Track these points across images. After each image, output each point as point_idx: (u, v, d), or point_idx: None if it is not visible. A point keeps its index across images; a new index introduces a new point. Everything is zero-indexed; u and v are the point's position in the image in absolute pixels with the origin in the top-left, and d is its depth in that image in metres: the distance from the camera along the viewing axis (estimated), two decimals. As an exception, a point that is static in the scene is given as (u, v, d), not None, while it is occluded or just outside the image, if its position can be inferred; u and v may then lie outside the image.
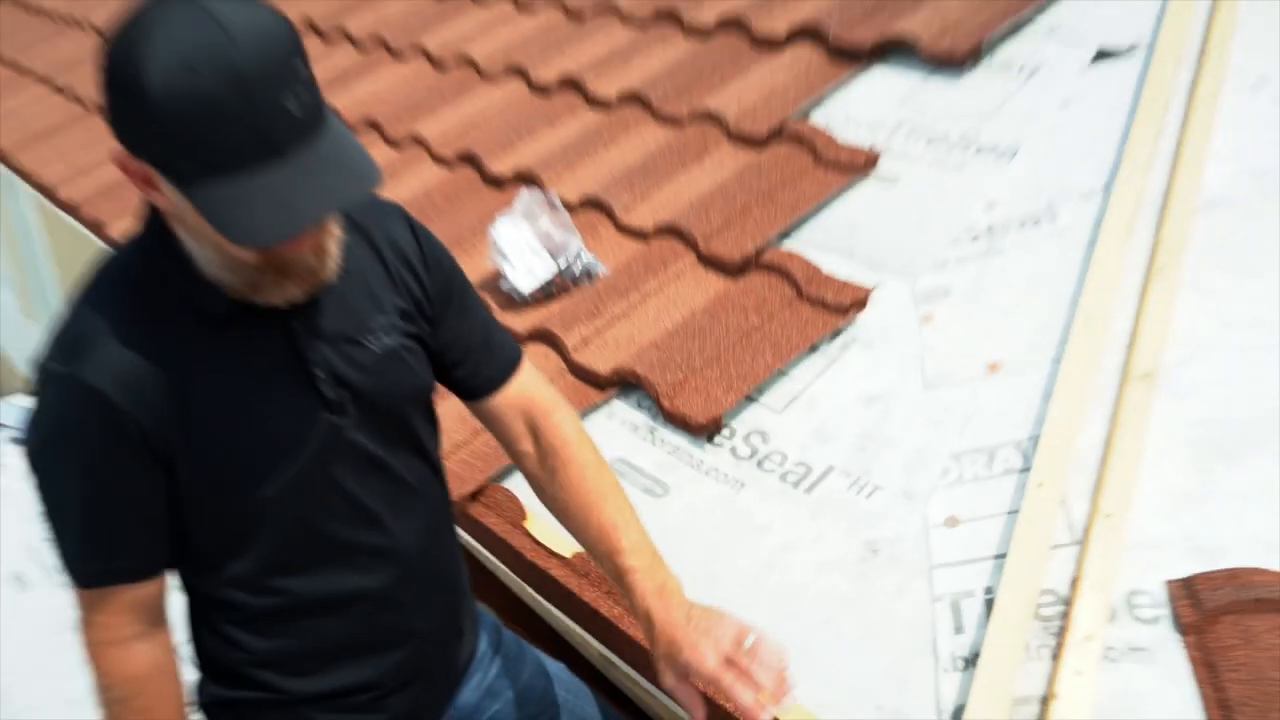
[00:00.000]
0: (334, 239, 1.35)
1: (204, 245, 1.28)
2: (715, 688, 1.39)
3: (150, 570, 1.42)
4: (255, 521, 1.42)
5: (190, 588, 1.52)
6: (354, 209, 1.47)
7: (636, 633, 1.77)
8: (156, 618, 1.45)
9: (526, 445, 1.64)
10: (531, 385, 1.65)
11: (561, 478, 1.59)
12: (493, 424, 1.66)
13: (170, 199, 1.23)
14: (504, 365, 1.63)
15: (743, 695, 1.34)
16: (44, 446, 1.36)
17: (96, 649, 1.42)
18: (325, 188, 1.19)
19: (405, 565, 1.55)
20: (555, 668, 1.87)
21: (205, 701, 1.59)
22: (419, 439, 1.57)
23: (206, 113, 1.12)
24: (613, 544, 1.53)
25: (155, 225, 1.34)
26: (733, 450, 2.06)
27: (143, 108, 1.13)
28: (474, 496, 2.13)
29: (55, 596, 3.56)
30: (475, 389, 1.62)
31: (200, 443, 1.35)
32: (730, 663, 1.37)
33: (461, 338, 1.57)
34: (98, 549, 1.38)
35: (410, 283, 1.50)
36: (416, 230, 1.54)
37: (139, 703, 1.42)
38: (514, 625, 1.97)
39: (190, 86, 1.11)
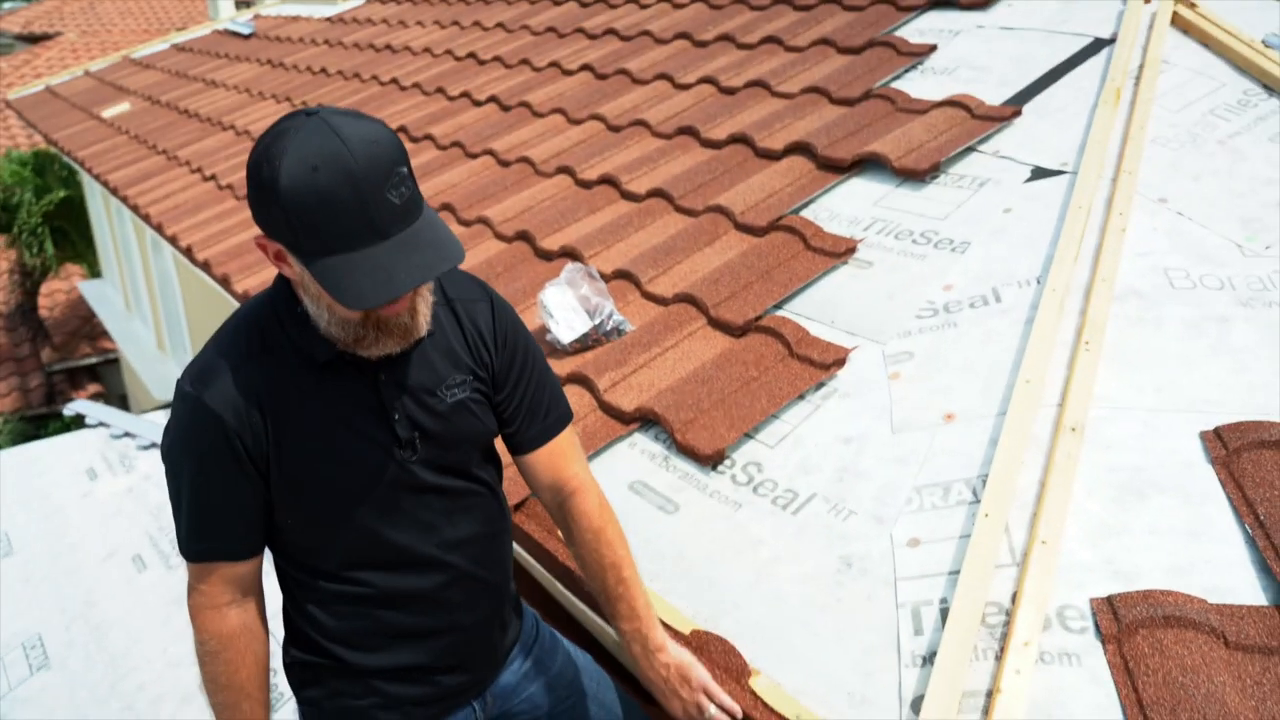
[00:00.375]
0: (425, 302, 1.37)
1: (320, 307, 1.31)
2: None
3: (245, 553, 1.42)
4: (332, 528, 1.42)
5: (283, 571, 1.51)
6: (450, 287, 1.49)
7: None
8: (249, 590, 1.44)
9: (553, 511, 1.63)
10: (559, 463, 1.58)
11: (576, 550, 1.61)
12: (527, 480, 1.63)
13: (296, 270, 1.28)
14: (542, 433, 1.57)
15: None
16: (172, 448, 1.38)
17: (198, 611, 1.42)
18: (418, 263, 1.22)
19: (455, 572, 1.52)
20: (584, 659, 1.81)
21: (288, 661, 1.57)
22: (477, 470, 1.54)
23: (326, 204, 1.17)
24: (613, 608, 1.57)
25: (282, 288, 1.38)
26: (733, 477, 2.02)
27: (277, 199, 1.18)
28: (517, 508, 2.09)
29: (167, 577, 3.53)
30: (515, 446, 1.59)
31: (291, 462, 1.37)
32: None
33: (513, 404, 1.54)
34: (205, 532, 1.39)
35: (483, 354, 1.50)
36: (497, 315, 1.52)
37: (227, 655, 1.42)
38: (546, 617, 1.92)
39: (314, 184, 1.17)
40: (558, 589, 2.03)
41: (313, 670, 1.53)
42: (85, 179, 9.31)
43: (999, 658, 1.49)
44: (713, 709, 1.53)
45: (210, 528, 1.39)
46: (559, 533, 1.99)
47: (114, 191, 5.59)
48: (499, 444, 1.61)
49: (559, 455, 1.58)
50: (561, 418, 1.60)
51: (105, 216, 8.93)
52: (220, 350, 1.37)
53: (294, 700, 1.60)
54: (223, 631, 1.42)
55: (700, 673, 1.54)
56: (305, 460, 1.37)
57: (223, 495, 1.37)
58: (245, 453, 1.34)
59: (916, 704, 1.47)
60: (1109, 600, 1.52)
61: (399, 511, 1.44)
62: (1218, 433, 1.76)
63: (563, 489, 1.59)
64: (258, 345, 1.36)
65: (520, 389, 1.54)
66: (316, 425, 1.37)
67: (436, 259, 1.23)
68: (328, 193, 1.17)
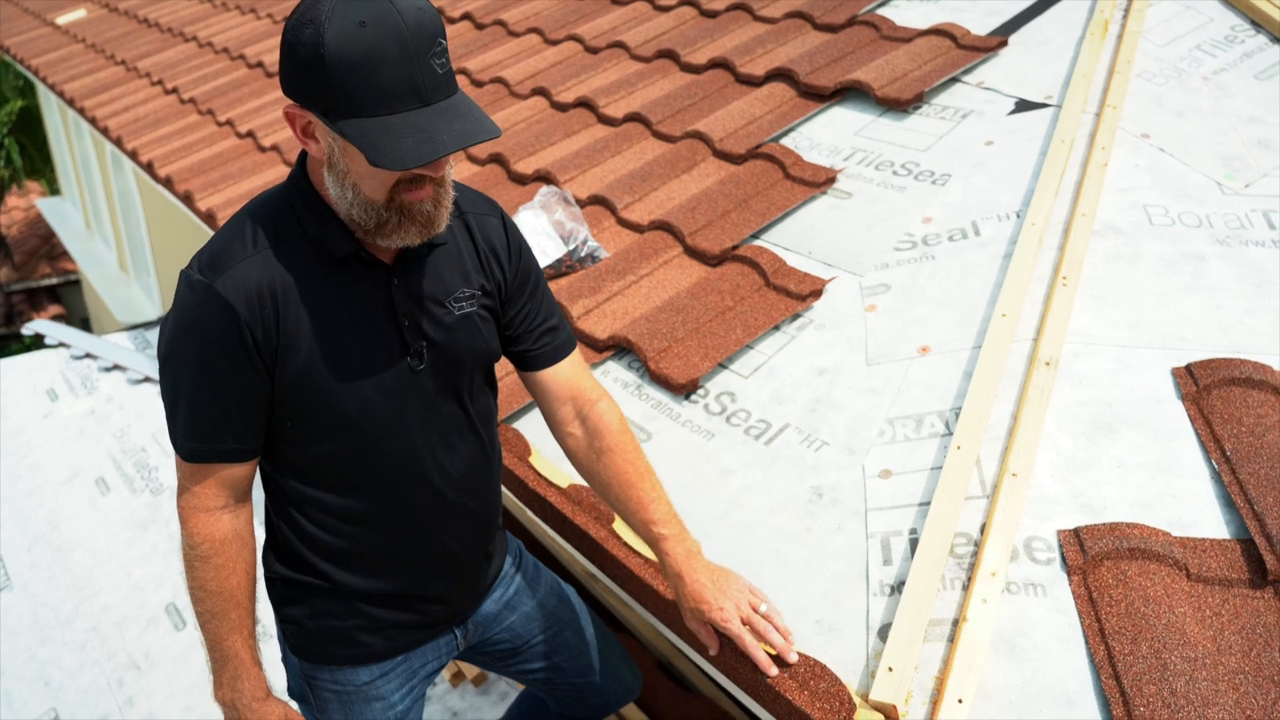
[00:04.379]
0: (448, 195, 1.32)
1: (345, 186, 1.26)
2: (738, 643, 1.44)
3: (244, 455, 1.38)
4: (331, 434, 1.39)
5: (272, 483, 1.48)
6: (463, 200, 1.46)
7: (619, 553, 1.72)
8: (242, 496, 1.42)
9: (574, 429, 1.57)
10: (579, 375, 1.57)
11: (607, 460, 1.53)
12: (543, 401, 1.59)
13: (324, 143, 1.25)
14: (557, 349, 1.56)
15: (759, 653, 1.43)
16: (176, 339, 1.32)
17: (189, 513, 1.39)
18: (458, 129, 1.19)
19: (447, 494, 1.50)
20: (567, 590, 1.80)
21: (269, 576, 1.55)
22: (477, 392, 1.51)
23: (371, 61, 1.15)
24: (649, 515, 1.49)
25: (299, 179, 1.34)
26: (706, 407, 2.00)
27: (320, 57, 1.15)
28: (489, 433, 2.06)
29: (131, 500, 3.49)
30: (530, 362, 1.55)
31: (299, 358, 1.32)
32: (747, 622, 1.44)
33: (526, 319, 1.52)
34: (205, 430, 1.34)
35: (494, 269, 1.47)
36: (508, 230, 1.51)
37: (218, 560, 1.39)
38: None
39: (361, 39, 1.14)
40: (528, 516, 2.02)
41: (296, 588, 1.51)
42: (41, 90, 8.95)
43: (966, 587, 1.50)
44: (764, 606, 1.46)
45: (211, 426, 1.34)
46: (530, 458, 1.97)
47: (71, 103, 5.37)
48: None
49: (579, 366, 1.57)
50: (571, 341, 1.59)
51: (63, 130, 8.61)
52: (232, 239, 1.31)
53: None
54: (215, 536, 1.38)
55: (743, 581, 1.49)
56: (313, 358, 1.33)
57: (228, 390, 1.31)
58: (255, 346, 1.29)
59: (884, 631, 1.48)
60: (1075, 532, 1.54)
61: (399, 424, 1.41)
62: (1189, 369, 1.76)
63: (585, 398, 1.56)
64: (271, 236, 1.31)
65: (535, 305, 1.53)
66: (327, 323, 1.33)
67: (476, 127, 1.20)
68: (374, 49, 1.14)
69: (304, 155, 1.35)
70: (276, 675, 1.57)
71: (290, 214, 1.33)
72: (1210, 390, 1.71)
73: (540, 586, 1.75)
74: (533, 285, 1.52)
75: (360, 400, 1.37)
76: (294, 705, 1.59)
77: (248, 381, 1.31)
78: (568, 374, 1.56)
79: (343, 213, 1.30)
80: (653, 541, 1.50)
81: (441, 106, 1.19)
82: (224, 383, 1.31)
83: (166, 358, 1.33)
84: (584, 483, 1.89)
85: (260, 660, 1.47)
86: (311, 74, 1.17)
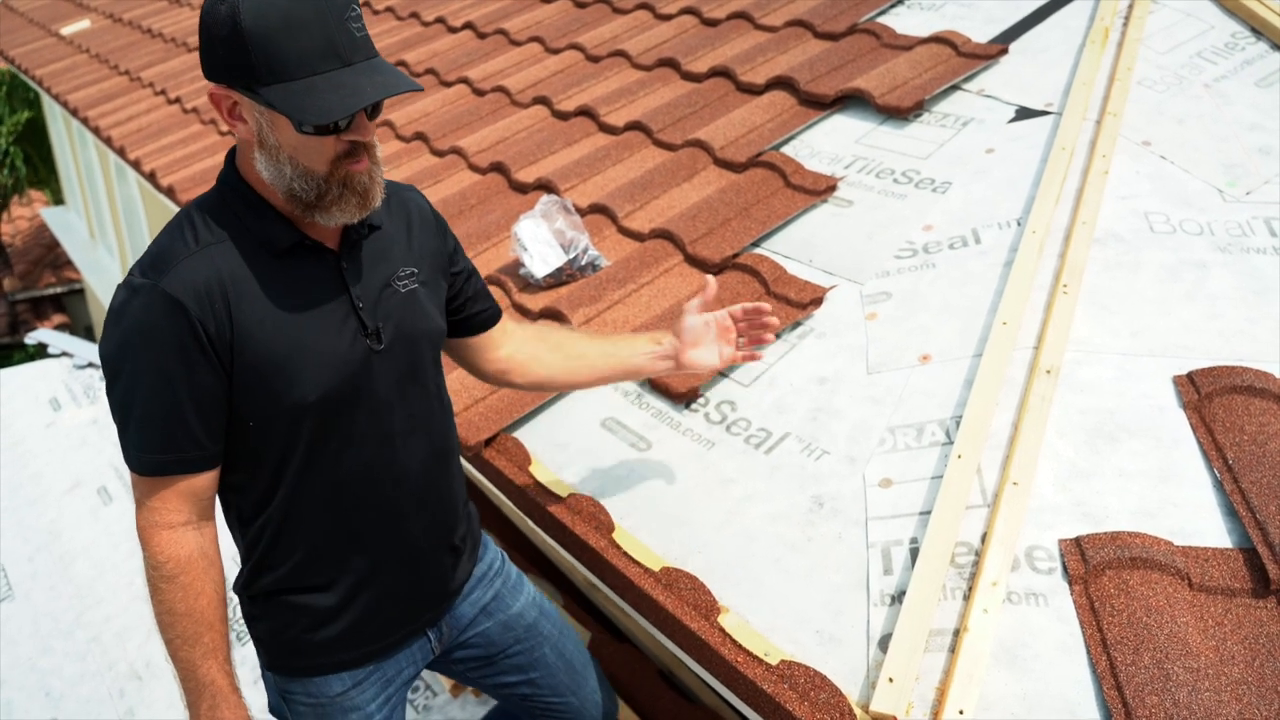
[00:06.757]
0: (380, 171, 1.34)
1: (281, 161, 1.26)
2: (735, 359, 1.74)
3: (205, 462, 1.33)
4: (293, 426, 1.35)
5: (232, 499, 1.44)
6: (393, 191, 1.49)
7: (619, 562, 1.72)
8: (205, 511, 1.37)
9: (535, 349, 1.72)
10: (508, 322, 1.72)
11: (573, 342, 1.74)
12: (485, 354, 1.69)
13: (252, 121, 1.25)
14: (496, 310, 1.68)
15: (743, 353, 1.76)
16: (125, 346, 1.28)
17: (150, 531, 1.33)
18: (380, 82, 1.23)
19: (409, 481, 1.48)
20: (548, 605, 1.78)
21: (239, 591, 1.52)
22: (431, 376, 1.52)
23: (289, 24, 1.17)
24: (628, 347, 1.73)
25: (231, 176, 1.34)
26: (706, 416, 2.00)
27: (238, 29, 1.17)
28: (488, 443, 2.06)
29: (132, 510, 3.49)
30: (482, 324, 1.65)
31: (255, 348, 1.30)
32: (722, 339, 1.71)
33: (467, 288, 1.61)
34: (162, 439, 1.29)
35: (432, 244, 1.52)
36: (432, 209, 1.59)
37: (185, 579, 1.33)
38: (513, 554, 1.90)
39: (277, 5, 1.17)
40: (528, 525, 2.01)
41: (260, 603, 1.49)
42: (46, 100, 8.99)
43: (967, 597, 1.49)
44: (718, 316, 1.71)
45: (168, 433, 1.29)
46: (530, 468, 1.97)
47: (74, 113, 5.40)
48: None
49: (510, 322, 1.73)
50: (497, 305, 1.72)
51: (67, 140, 8.65)
52: (173, 240, 1.30)
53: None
54: (179, 555, 1.32)
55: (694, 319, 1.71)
56: (271, 347, 1.30)
57: (184, 392, 1.27)
58: (208, 340, 1.26)
59: (884, 642, 1.47)
60: (1077, 541, 1.53)
61: (362, 409, 1.39)
62: (1190, 377, 1.75)
63: (517, 334, 1.72)
64: (212, 233, 1.30)
65: (471, 277, 1.62)
66: (282, 311, 1.31)
67: (398, 81, 1.24)
68: (290, 13, 1.17)
69: (231, 155, 1.35)
70: (253, 696, 1.54)
71: (228, 211, 1.32)
72: (1212, 398, 1.71)
73: (520, 597, 1.73)
74: (463, 261, 1.61)
75: (323, 386, 1.34)
76: None
77: (204, 380, 1.28)
78: (503, 325, 1.69)
79: (281, 191, 1.29)
80: (639, 366, 1.72)
81: (361, 66, 1.22)
82: (179, 384, 1.27)
83: (115, 370, 1.29)
84: (576, 476, 1.90)
85: (238, 686, 1.41)
86: (232, 48, 1.19)
